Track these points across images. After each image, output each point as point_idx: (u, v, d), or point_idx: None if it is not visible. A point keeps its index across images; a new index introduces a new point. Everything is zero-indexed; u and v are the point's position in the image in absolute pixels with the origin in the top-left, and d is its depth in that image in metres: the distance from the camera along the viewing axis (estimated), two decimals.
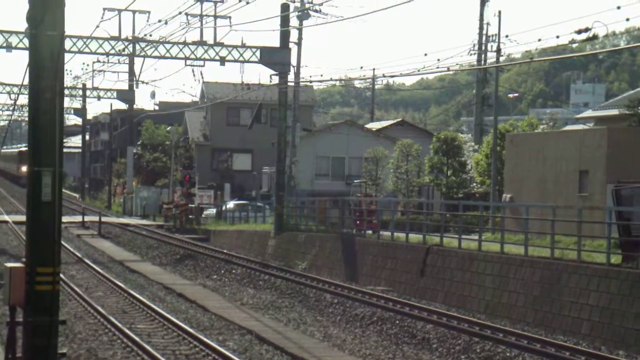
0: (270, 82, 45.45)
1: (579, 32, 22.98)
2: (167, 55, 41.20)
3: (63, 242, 35.57)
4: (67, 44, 38.55)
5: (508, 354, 18.95)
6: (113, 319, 20.85)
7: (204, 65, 42.59)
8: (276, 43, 42.38)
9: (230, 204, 59.89)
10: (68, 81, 72.98)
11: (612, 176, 30.84)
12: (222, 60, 41.24)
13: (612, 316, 21.55)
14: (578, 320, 22.57)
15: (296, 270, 33.20)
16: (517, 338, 20.13)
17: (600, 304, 22.04)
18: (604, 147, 32.96)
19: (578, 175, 34.09)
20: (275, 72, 42.74)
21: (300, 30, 47.93)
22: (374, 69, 76.61)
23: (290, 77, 44.59)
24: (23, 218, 43.84)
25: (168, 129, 77.23)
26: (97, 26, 41.68)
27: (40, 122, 11.62)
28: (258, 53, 41.78)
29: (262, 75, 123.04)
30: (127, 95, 72.98)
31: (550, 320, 23.46)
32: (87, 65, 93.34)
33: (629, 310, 21.15)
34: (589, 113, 51.91)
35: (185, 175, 57.97)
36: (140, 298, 24.64)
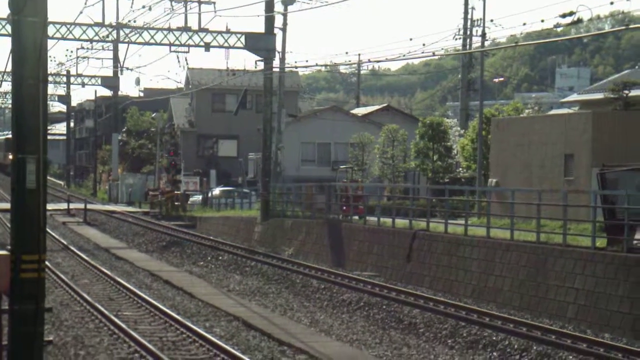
0: (256, 68, 45.35)
1: (564, 15, 23.01)
2: (152, 41, 41.03)
3: (48, 230, 35.50)
4: (51, 30, 38.32)
5: (494, 338, 19.02)
6: (99, 306, 20.82)
7: (188, 52, 42.49)
8: (261, 29, 42.26)
9: (216, 191, 59.84)
10: (52, 68, 72.65)
11: (597, 160, 30.95)
12: (207, 46, 41.10)
13: (598, 299, 21.66)
14: (564, 303, 22.67)
15: (283, 257, 33.21)
16: (503, 322, 20.20)
17: (586, 288, 22.14)
18: (589, 131, 33.06)
19: (563, 159, 34.19)
20: (261, 58, 42.62)
21: (285, 15, 47.80)
22: (359, 55, 76.45)
23: (276, 62, 44.52)
24: (8, 206, 43.69)
25: (153, 115, 77.03)
26: (81, 12, 41.72)
27: (24, 109, 11.54)
28: (243, 39, 41.66)
29: (247, 61, 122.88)
30: (111, 82, 72.73)
31: (536, 304, 23.55)
32: (71, 51, 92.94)
33: (615, 294, 21.25)
34: (574, 97, 52.06)
35: (171, 162, 57.85)
36: (127, 285, 24.61)
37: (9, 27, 37.16)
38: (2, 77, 57.46)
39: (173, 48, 41.47)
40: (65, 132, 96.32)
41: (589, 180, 31.25)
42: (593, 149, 32.58)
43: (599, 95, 42.43)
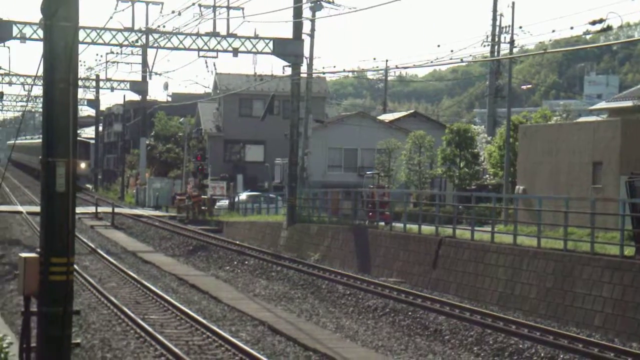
0: (283, 73, 45.47)
1: (593, 23, 22.90)
2: (180, 46, 41.24)
3: (77, 233, 35.73)
4: (81, 35, 38.55)
5: (521, 346, 18.93)
6: (126, 310, 20.93)
7: (216, 57, 42.63)
8: (289, 34, 42.35)
9: (243, 195, 59.96)
10: (82, 72, 73.18)
11: (626, 168, 30.74)
12: (235, 52, 41.25)
13: (626, 308, 21.50)
14: (591, 312, 22.53)
15: (309, 262, 33.22)
16: (529, 330, 20.11)
17: (614, 296, 21.99)
18: (618, 138, 32.84)
19: (591, 167, 33.99)
20: (288, 64, 42.72)
21: (313, 21, 47.89)
22: (386, 61, 76.45)
23: (303, 68, 44.58)
24: (37, 209, 43.95)
25: (181, 120, 77.36)
26: (111, 17, 42.02)
27: (54, 113, 11.64)
28: (271, 44, 41.77)
29: (275, 66, 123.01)
30: (140, 87, 73.14)
31: (563, 312, 23.42)
32: (101, 56, 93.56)
33: None
34: (602, 104, 51.73)
35: (198, 166, 58.06)
36: (153, 289, 24.72)
37: (40, 32, 37.55)
38: (34, 81, 57.89)
39: (201, 53, 41.66)
40: (94, 136, 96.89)
41: (617, 188, 31.03)
42: (621, 157, 32.36)
43: (627, 103, 42.15)
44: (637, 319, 21.07)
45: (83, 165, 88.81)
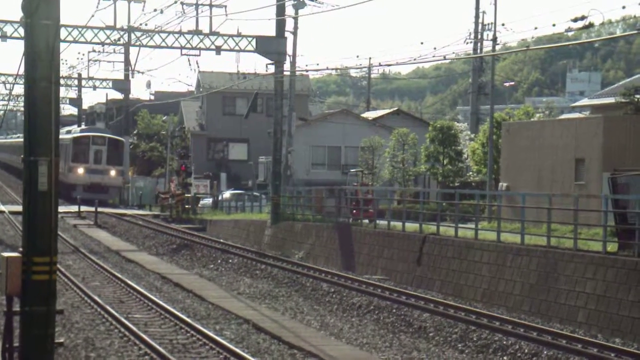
0: (266, 71, 45.42)
1: (575, 20, 22.97)
2: (163, 44, 41.12)
3: (59, 232, 35.57)
4: (63, 33, 38.47)
5: (505, 342, 18.98)
6: (110, 309, 20.86)
7: (199, 55, 42.53)
8: (272, 32, 42.30)
9: (227, 194, 59.87)
10: (64, 71, 72.85)
11: (608, 164, 30.88)
12: (218, 50, 41.18)
13: (609, 304, 21.60)
14: (574, 308, 22.62)
15: (293, 260, 33.21)
16: (513, 326, 20.16)
17: (597, 292, 22.09)
18: (600, 135, 32.97)
19: (574, 163, 34.12)
20: (271, 62, 42.68)
21: (296, 19, 47.86)
22: (370, 58, 76.52)
23: (286, 66, 44.55)
24: (19, 208, 43.72)
25: (164, 118, 77.13)
26: (93, 15, 41.90)
27: (36, 112, 11.60)
28: (254, 42, 41.71)
29: (258, 64, 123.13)
30: (122, 85, 72.83)
31: (547, 308, 23.50)
32: (83, 54, 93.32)
33: (625, 298, 21.19)
34: (585, 101, 51.93)
35: (181, 165, 57.94)
36: (137, 288, 24.65)
37: (21, 30, 37.36)
38: (15, 79, 57.64)
39: (184, 51, 41.56)
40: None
41: (600, 184, 31.16)
42: (604, 154, 32.50)
43: (610, 100, 42.31)
44: (620, 315, 21.18)
45: (113, 172, 60.91)
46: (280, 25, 42.22)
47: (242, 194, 58.75)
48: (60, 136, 57.26)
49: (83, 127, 71.19)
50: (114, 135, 64.31)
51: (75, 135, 63.36)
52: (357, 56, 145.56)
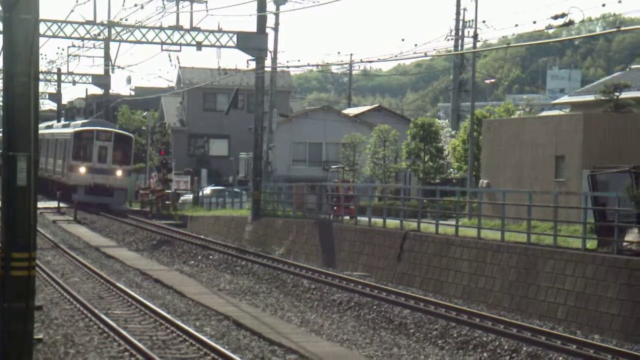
0: (247, 67, 45.31)
1: (556, 17, 23.05)
2: (143, 40, 40.96)
3: (39, 228, 35.33)
4: (42, 28, 38.23)
5: (485, 339, 19.04)
6: (89, 305, 20.77)
7: (180, 50, 42.45)
8: (253, 28, 42.23)
9: (207, 190, 59.75)
10: (43, 66, 72.45)
11: (588, 161, 31.01)
12: (199, 45, 41.06)
13: (588, 301, 21.70)
14: (554, 305, 22.71)
15: (273, 256, 33.19)
16: (493, 323, 20.23)
17: (576, 289, 22.18)
18: (580, 132, 33.11)
19: (554, 160, 34.25)
20: (252, 57, 42.59)
21: (277, 15, 47.78)
22: (351, 55, 76.50)
23: (267, 62, 44.50)
24: None
25: (144, 114, 76.86)
26: (72, 10, 41.69)
27: (15, 106, 11.53)
28: (235, 38, 41.62)
29: (239, 60, 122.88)
30: (102, 80, 72.49)
31: (527, 305, 23.59)
32: (62, 49, 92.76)
33: (604, 295, 21.30)
34: (565, 99, 52.13)
35: (162, 160, 57.75)
36: (117, 284, 24.57)
37: (0, 25, 37.11)
38: None
39: (165, 47, 41.44)
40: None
41: (580, 181, 31.30)
42: (584, 151, 32.65)
43: (590, 97, 42.48)
44: (599, 312, 21.28)
45: (119, 172, 52.91)
46: (261, 21, 42.14)
47: (223, 190, 58.64)
48: (59, 130, 53.07)
49: (84, 120, 62.88)
50: (120, 130, 57.19)
51: (76, 129, 54.39)
52: (339, 53, 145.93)
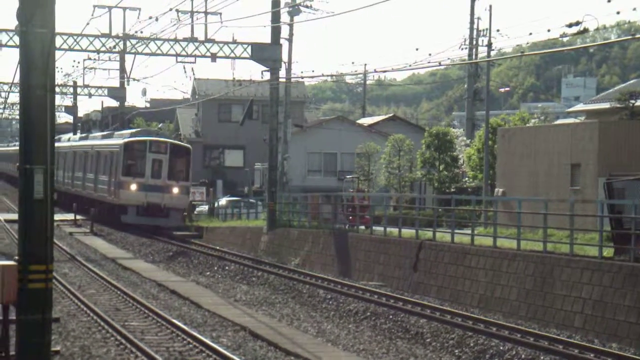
0: (262, 78, 45.45)
1: (570, 25, 23.02)
2: (158, 52, 41.13)
3: (55, 240, 35.50)
4: (58, 41, 38.44)
5: (501, 348, 18.98)
6: (106, 317, 20.83)
7: (195, 62, 42.55)
8: (267, 39, 42.36)
9: (223, 201, 59.81)
10: (59, 79, 72.79)
11: (604, 169, 30.92)
12: (213, 57, 41.21)
13: (605, 309, 21.60)
14: (571, 313, 22.62)
15: (289, 266, 33.19)
16: (510, 332, 20.16)
17: (593, 297, 22.09)
18: (596, 140, 33.03)
19: (570, 168, 34.17)
20: (267, 68, 42.71)
21: (291, 26, 47.91)
22: (365, 64, 76.49)
23: (282, 73, 44.60)
24: (15, 216, 43.59)
25: (159, 126, 77.09)
26: (88, 23, 41.79)
27: (31, 119, 11.60)
28: (249, 49, 41.75)
29: (254, 71, 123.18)
30: (118, 93, 72.84)
31: (543, 313, 23.50)
32: (78, 62, 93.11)
33: (622, 303, 21.20)
34: (580, 107, 52.01)
35: None
36: (134, 295, 24.62)
37: (16, 39, 37.37)
38: (10, 88, 57.13)
39: (179, 59, 41.58)
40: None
41: (596, 189, 31.20)
42: (599, 159, 32.55)
43: (605, 105, 42.38)
44: (616, 320, 21.18)
45: (175, 190, 46.06)
46: (276, 32, 42.26)
47: (238, 200, 58.70)
48: (101, 141, 47.22)
49: (133, 129, 53.62)
50: (177, 141, 50.43)
51: (127, 140, 47.11)
52: (353, 63, 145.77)
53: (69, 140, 64.59)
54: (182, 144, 48.99)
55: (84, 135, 62.84)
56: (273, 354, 18.06)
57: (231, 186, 68.35)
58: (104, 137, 53.84)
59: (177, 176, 46.06)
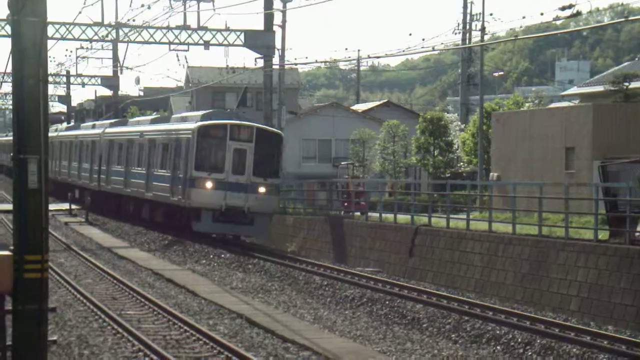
0: (255, 65, 45.38)
1: (563, 8, 23.03)
2: (151, 40, 41.05)
3: (51, 230, 35.50)
4: (50, 30, 38.33)
5: (498, 332, 19.02)
6: (103, 306, 20.82)
7: (188, 50, 42.55)
8: (260, 26, 42.27)
9: None
10: (51, 68, 72.66)
11: (598, 152, 30.95)
12: (207, 44, 41.13)
13: (601, 292, 21.66)
14: (567, 296, 22.68)
15: (285, 253, 33.20)
16: (506, 316, 20.20)
17: (589, 280, 22.15)
18: (590, 123, 33.05)
19: (564, 152, 34.20)
20: (260, 55, 42.64)
21: (284, 12, 47.79)
22: (358, 50, 76.39)
23: (275, 60, 44.54)
24: (10, 207, 43.54)
25: (153, 114, 77.01)
26: (80, 12, 41.79)
27: (24, 109, 11.56)
28: (242, 36, 41.67)
29: (247, 58, 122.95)
30: (111, 82, 72.74)
31: (539, 297, 23.56)
32: (71, 51, 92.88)
33: (617, 286, 21.26)
34: (574, 90, 52.05)
35: None
36: (130, 284, 24.62)
37: (8, 28, 37.23)
38: (3, 77, 57.26)
39: (172, 47, 41.53)
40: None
41: (591, 172, 31.25)
42: (594, 142, 32.58)
43: (599, 88, 42.41)
44: (612, 302, 21.24)
45: (262, 189, 34.89)
46: (269, 19, 42.17)
47: None
48: (158, 127, 39.25)
49: (207, 110, 40.24)
50: (265, 126, 37.59)
51: (200, 123, 35.60)
52: (346, 49, 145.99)
53: (93, 127, 53.45)
54: (271, 129, 37.74)
55: (116, 120, 52.25)
56: (270, 340, 18.07)
57: None
58: (153, 121, 44.10)
59: (265, 171, 35.01)
